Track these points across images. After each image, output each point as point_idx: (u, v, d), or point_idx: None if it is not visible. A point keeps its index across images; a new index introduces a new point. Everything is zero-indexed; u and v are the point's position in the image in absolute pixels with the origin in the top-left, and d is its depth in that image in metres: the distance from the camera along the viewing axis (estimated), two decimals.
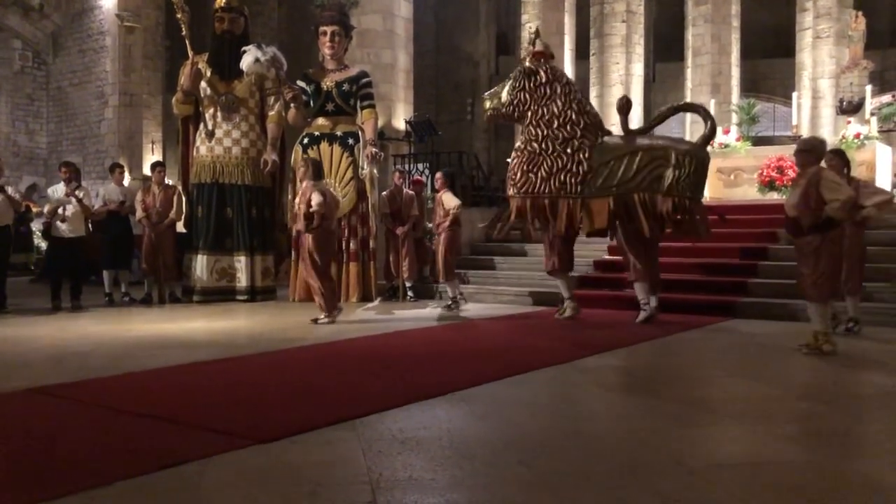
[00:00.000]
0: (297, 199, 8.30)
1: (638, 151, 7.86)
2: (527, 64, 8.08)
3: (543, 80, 7.94)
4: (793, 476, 3.10)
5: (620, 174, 7.71)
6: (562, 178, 7.76)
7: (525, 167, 7.87)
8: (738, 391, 4.81)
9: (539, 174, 7.81)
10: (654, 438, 3.61)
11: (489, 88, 9.67)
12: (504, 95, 8.00)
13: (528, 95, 7.92)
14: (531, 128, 7.89)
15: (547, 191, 7.79)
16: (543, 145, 7.81)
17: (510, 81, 8.04)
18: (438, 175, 9.79)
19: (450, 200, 9.35)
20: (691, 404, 4.37)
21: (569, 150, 7.78)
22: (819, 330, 5.85)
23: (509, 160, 8.36)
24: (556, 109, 7.86)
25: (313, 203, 7.62)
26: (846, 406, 4.40)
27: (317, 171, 8.02)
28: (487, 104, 8.19)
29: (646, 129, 8.43)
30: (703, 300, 8.54)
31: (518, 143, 8.16)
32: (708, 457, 3.36)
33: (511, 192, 8.00)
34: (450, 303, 9.19)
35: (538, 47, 8.20)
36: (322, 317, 7.77)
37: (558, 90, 7.92)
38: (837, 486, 3.00)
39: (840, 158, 6.79)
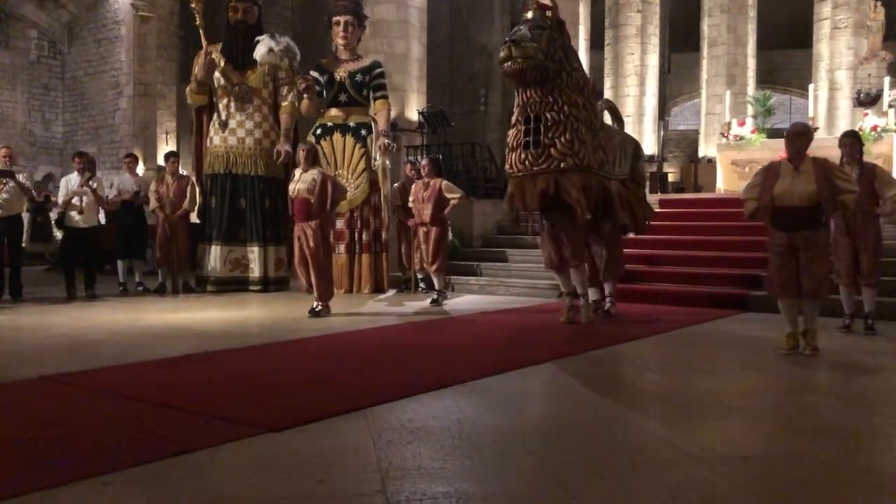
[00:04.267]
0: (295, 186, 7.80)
1: (625, 139, 7.72)
2: (549, 14, 6.69)
3: (568, 38, 6.89)
4: (802, 470, 3.08)
5: (618, 161, 7.31)
6: (601, 155, 6.83)
7: (579, 137, 6.55)
8: (747, 384, 4.79)
9: (588, 147, 6.63)
10: (663, 430, 3.61)
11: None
12: (544, 43, 6.44)
13: (563, 52, 6.65)
14: (568, 92, 6.61)
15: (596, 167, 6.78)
16: (583, 114, 6.67)
17: (545, 31, 6.52)
18: (425, 162, 9.16)
19: (452, 190, 8.89)
20: (700, 397, 4.36)
21: (598, 125, 6.92)
22: (814, 329, 5.60)
23: (519, 131, 6.77)
24: (584, 74, 6.94)
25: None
26: (856, 401, 4.37)
27: (315, 158, 7.91)
28: (516, 52, 6.32)
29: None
30: (716, 293, 8.50)
31: (551, 114, 6.56)
32: (716, 449, 3.35)
33: (569, 162, 6.54)
34: (436, 296, 8.86)
35: None
36: (318, 306, 7.70)
37: (576, 53, 7.04)
38: (847, 481, 2.99)
39: (858, 141, 6.58)
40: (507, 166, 7.06)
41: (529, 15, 6.70)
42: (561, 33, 6.76)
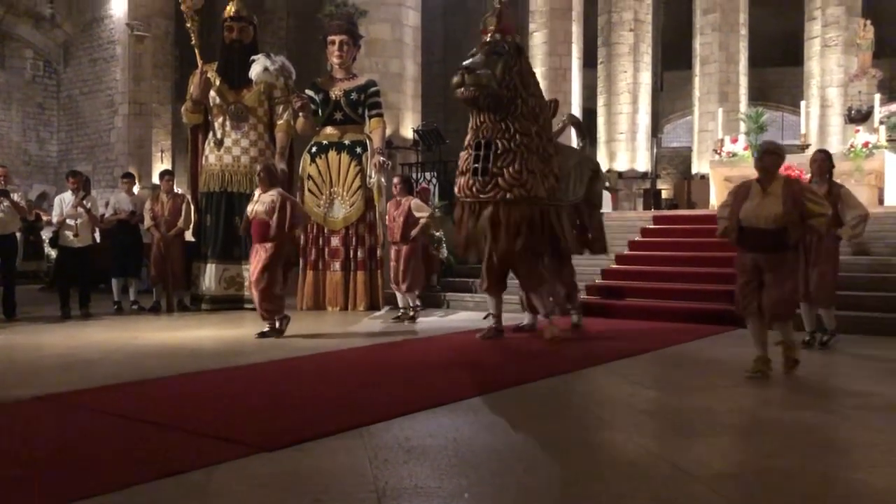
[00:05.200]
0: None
1: (581, 161, 7.59)
2: (508, 39, 6.69)
3: (527, 64, 6.89)
4: (796, 485, 3.09)
5: (572, 184, 7.19)
6: (551, 182, 6.75)
7: (528, 167, 6.53)
8: (741, 400, 4.80)
9: (537, 176, 6.59)
10: (658, 447, 3.61)
11: None
12: (499, 71, 6.42)
13: (519, 79, 6.61)
14: (521, 120, 6.57)
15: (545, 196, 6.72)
16: (535, 142, 6.61)
17: (501, 58, 6.50)
18: (397, 180, 9.04)
19: (420, 209, 8.76)
20: (695, 413, 4.37)
21: (551, 152, 6.81)
22: (791, 341, 5.50)
23: (470, 156, 6.74)
24: (542, 100, 6.89)
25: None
26: (850, 416, 4.39)
27: (273, 179, 7.57)
28: (469, 79, 6.31)
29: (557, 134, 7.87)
30: (709, 309, 8.51)
31: (503, 142, 6.55)
32: (711, 465, 3.36)
33: (515, 193, 6.51)
34: (403, 312, 8.82)
35: (507, 21, 6.77)
36: (267, 328, 7.54)
37: (535, 79, 7.00)
38: (841, 496, 3.00)
39: (829, 160, 6.56)
40: (456, 189, 7.05)
41: (488, 38, 6.69)
42: (519, 59, 6.72)
